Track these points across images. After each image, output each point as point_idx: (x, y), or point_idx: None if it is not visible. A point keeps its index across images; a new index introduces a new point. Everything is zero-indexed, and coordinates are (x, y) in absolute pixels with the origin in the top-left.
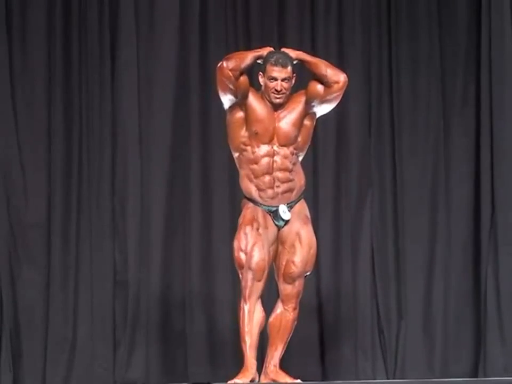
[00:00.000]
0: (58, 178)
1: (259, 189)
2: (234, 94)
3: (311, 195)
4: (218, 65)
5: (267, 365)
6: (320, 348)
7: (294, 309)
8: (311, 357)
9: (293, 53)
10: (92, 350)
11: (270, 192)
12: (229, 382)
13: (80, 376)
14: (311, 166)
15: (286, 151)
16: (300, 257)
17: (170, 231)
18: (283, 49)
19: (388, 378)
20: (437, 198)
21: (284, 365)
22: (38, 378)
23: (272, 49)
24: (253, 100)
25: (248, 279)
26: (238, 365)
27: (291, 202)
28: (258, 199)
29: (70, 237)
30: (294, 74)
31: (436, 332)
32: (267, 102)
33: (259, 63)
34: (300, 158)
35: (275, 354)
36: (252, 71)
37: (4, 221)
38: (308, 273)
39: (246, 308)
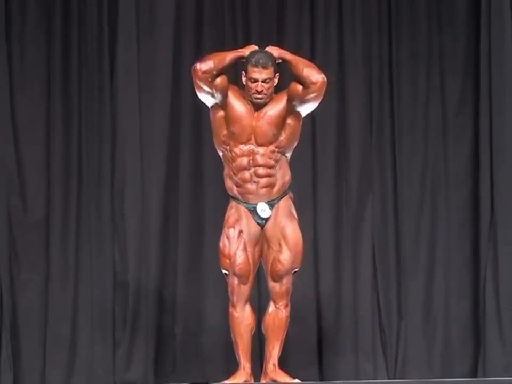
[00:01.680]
0: (57, 178)
1: (238, 186)
2: (211, 95)
3: (312, 195)
4: (192, 66)
5: (266, 365)
6: (320, 347)
7: (286, 306)
8: (311, 357)
9: (275, 52)
10: (91, 350)
11: (248, 186)
12: (221, 383)
13: (80, 376)
14: (311, 166)
15: (265, 150)
16: (286, 255)
17: (170, 230)
18: (268, 48)
19: (388, 378)
20: (437, 198)
21: (284, 365)
22: (38, 378)
23: (255, 47)
24: (233, 99)
25: (234, 284)
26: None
27: (272, 200)
28: (238, 196)
29: (69, 237)
30: (277, 74)
31: (436, 331)
32: (248, 101)
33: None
34: (288, 156)
35: (273, 353)
36: (237, 68)
37: (4, 221)
38: (296, 270)
39: (235, 313)
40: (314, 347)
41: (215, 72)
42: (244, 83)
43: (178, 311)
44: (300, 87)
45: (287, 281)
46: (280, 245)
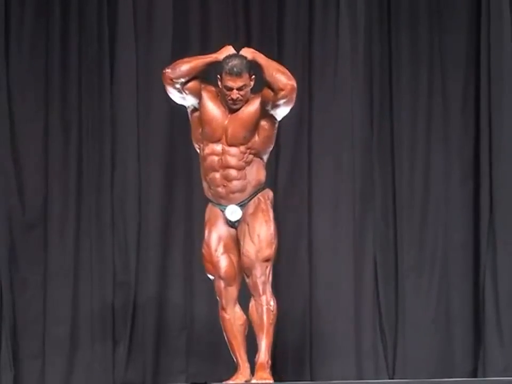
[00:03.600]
0: (56, 178)
1: (210, 187)
2: (182, 98)
3: (312, 195)
4: (163, 71)
5: (255, 359)
6: (320, 347)
7: (260, 296)
8: (311, 357)
9: (249, 55)
10: (91, 350)
11: (219, 190)
12: (222, 383)
13: (79, 376)
14: (311, 166)
15: (235, 150)
16: (249, 248)
17: (170, 230)
18: (242, 50)
19: (388, 378)
20: (437, 198)
21: (284, 365)
22: (38, 378)
23: (231, 48)
24: (207, 100)
25: (221, 287)
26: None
27: (243, 201)
28: (211, 197)
29: (69, 237)
30: (253, 77)
31: (436, 332)
32: (223, 102)
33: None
34: (264, 158)
35: (262, 345)
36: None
37: (3, 221)
38: (268, 261)
39: (226, 316)
40: (314, 347)
41: (183, 80)
42: (220, 87)
43: (178, 311)
44: (269, 91)
45: (257, 273)
46: (244, 237)
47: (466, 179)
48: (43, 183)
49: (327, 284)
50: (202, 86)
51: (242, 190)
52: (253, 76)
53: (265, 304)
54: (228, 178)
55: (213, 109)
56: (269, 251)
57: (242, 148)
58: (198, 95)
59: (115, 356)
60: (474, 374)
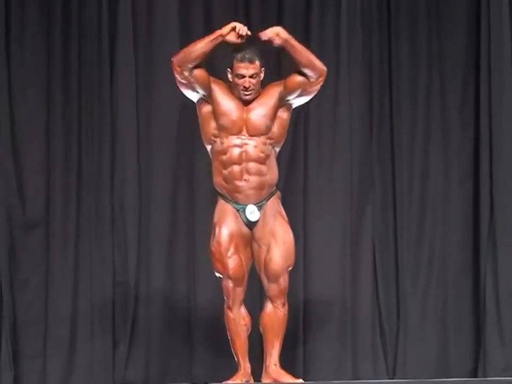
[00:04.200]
0: (57, 178)
1: (226, 181)
2: (192, 89)
3: (311, 195)
4: (171, 60)
5: (267, 364)
6: (320, 348)
7: (284, 304)
8: (311, 357)
9: (282, 32)
10: (91, 350)
11: (238, 184)
12: (222, 383)
13: (79, 376)
14: (310, 166)
15: (257, 140)
16: (278, 255)
17: (170, 230)
18: (271, 29)
19: (388, 378)
20: (437, 198)
21: (282, 364)
22: (38, 378)
23: (236, 24)
24: (219, 93)
25: (229, 287)
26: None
27: (261, 201)
28: (226, 194)
29: (69, 237)
30: (263, 69)
31: (436, 331)
32: (236, 95)
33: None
34: (277, 150)
35: (273, 353)
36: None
37: (3, 221)
38: (290, 268)
39: (231, 315)
40: (314, 347)
41: (190, 65)
42: (231, 80)
43: (179, 311)
44: (302, 79)
45: (283, 280)
46: (270, 245)
47: (466, 179)
48: (43, 183)
49: (326, 285)
50: (211, 78)
51: (260, 187)
52: (263, 68)
53: (284, 311)
54: (249, 172)
55: (227, 100)
56: (292, 259)
57: (263, 138)
58: (207, 86)
59: (115, 356)
60: (474, 374)
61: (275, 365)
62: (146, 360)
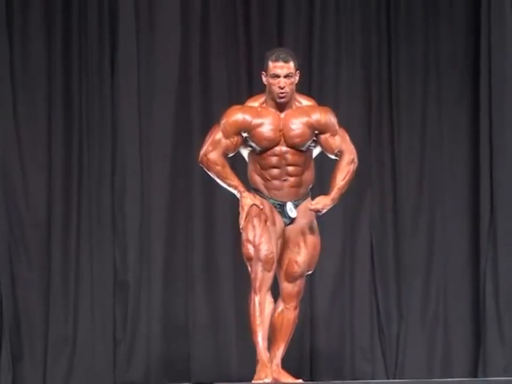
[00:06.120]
0: (58, 178)
1: (265, 180)
2: (233, 149)
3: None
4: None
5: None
6: (319, 347)
7: (295, 307)
8: (310, 357)
9: (329, 203)
10: (92, 350)
11: (277, 183)
12: (254, 381)
13: (80, 376)
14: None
15: (295, 149)
16: (303, 258)
17: (170, 230)
18: (321, 204)
19: (387, 378)
20: (436, 198)
21: (284, 364)
22: (38, 378)
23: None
24: (254, 124)
25: (258, 270)
26: (242, 365)
27: (298, 199)
28: (264, 190)
29: (70, 237)
30: (298, 72)
31: (436, 331)
32: (268, 108)
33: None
34: (314, 151)
35: (277, 354)
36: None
37: (4, 221)
38: (310, 272)
39: (256, 299)
40: (314, 347)
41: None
42: (265, 83)
43: (179, 311)
44: (333, 143)
45: (300, 283)
46: (299, 246)
47: (466, 179)
48: (44, 183)
49: (326, 284)
50: (240, 118)
51: (299, 185)
52: (298, 71)
53: (295, 314)
54: (288, 174)
55: (263, 126)
56: (314, 265)
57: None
58: (246, 131)
59: (115, 356)
60: (474, 374)
61: (277, 365)
62: (146, 360)
